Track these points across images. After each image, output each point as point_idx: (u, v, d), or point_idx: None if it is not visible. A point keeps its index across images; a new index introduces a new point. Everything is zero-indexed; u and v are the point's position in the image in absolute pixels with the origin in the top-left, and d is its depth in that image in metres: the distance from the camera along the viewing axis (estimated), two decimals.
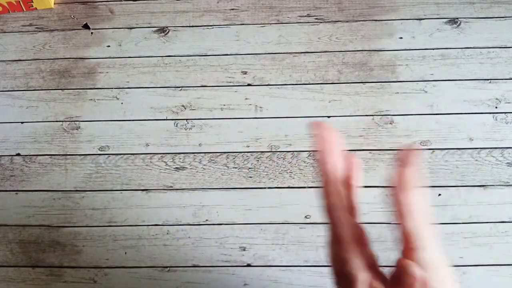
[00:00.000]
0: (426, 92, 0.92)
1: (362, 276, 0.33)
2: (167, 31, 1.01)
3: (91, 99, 0.95)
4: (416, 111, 0.91)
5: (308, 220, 0.83)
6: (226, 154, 0.89)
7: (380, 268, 0.34)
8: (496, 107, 0.90)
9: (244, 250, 0.81)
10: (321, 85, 0.94)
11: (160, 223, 0.84)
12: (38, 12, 1.04)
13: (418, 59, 0.95)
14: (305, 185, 0.86)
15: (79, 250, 0.83)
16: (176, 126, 0.92)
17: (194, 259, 0.81)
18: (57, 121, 0.93)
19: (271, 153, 0.89)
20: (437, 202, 0.83)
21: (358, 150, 0.88)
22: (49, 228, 0.85)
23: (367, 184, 0.85)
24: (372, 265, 0.35)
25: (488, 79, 0.93)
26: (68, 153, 0.90)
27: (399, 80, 0.93)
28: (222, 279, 0.80)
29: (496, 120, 0.89)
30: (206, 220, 0.84)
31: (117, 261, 0.82)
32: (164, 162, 0.89)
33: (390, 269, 0.35)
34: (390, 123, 0.90)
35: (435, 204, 0.83)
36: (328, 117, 0.91)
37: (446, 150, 0.87)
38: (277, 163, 0.87)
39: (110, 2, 1.05)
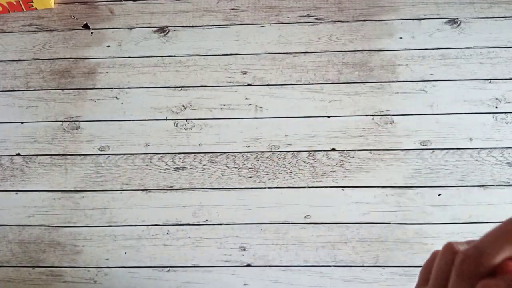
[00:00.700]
0: (426, 92, 0.92)
1: None
2: (167, 31, 1.01)
3: (91, 99, 0.95)
4: (416, 111, 0.91)
5: (308, 220, 0.83)
6: (226, 154, 0.89)
7: None
8: (496, 107, 0.90)
9: (244, 250, 0.81)
10: (321, 85, 0.94)
11: (160, 223, 0.84)
12: (38, 12, 1.04)
13: (418, 59, 0.95)
14: (305, 185, 0.86)
15: (79, 250, 0.83)
16: (176, 126, 0.92)
17: (194, 259, 0.81)
18: (57, 121, 0.93)
19: (271, 153, 0.88)
20: (437, 202, 0.83)
21: (358, 150, 0.88)
22: (49, 228, 0.85)
23: (367, 184, 0.85)
24: None
25: (488, 79, 0.93)
26: (68, 153, 0.90)
27: (399, 80, 0.93)
28: (222, 279, 0.80)
29: (496, 120, 0.89)
30: (206, 220, 0.84)
31: (117, 261, 0.82)
32: (164, 162, 0.89)
33: None
34: (390, 123, 0.90)
35: (435, 204, 0.83)
36: (328, 117, 0.91)
37: (446, 150, 0.87)
38: (277, 163, 0.87)
39: (110, 2, 1.05)
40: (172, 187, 0.86)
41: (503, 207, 0.83)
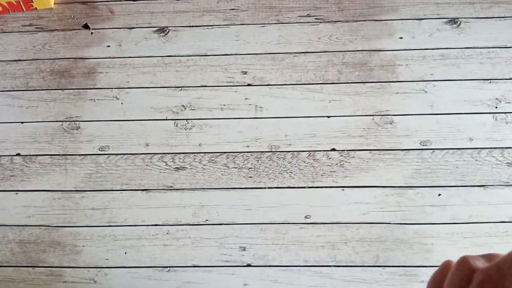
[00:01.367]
0: (426, 92, 0.92)
1: None
2: (167, 31, 1.01)
3: (91, 99, 0.95)
4: (416, 111, 0.91)
5: (308, 220, 0.83)
6: (226, 154, 0.89)
7: None
8: (496, 107, 0.90)
9: (244, 250, 0.81)
10: (321, 85, 0.94)
11: (160, 223, 0.84)
12: (38, 12, 1.04)
13: (418, 59, 0.95)
14: (305, 185, 0.86)
15: (79, 250, 0.83)
16: (176, 126, 0.92)
17: (194, 259, 0.81)
18: (57, 121, 0.93)
19: (271, 153, 0.88)
20: (437, 202, 0.83)
21: (358, 150, 0.88)
22: (49, 228, 0.85)
23: (367, 184, 0.85)
24: None
25: (488, 79, 0.93)
26: (68, 153, 0.90)
27: (399, 80, 0.93)
28: (222, 279, 0.80)
29: (496, 120, 0.89)
30: (206, 220, 0.84)
31: (117, 261, 0.82)
32: (164, 162, 0.88)
33: None
34: (390, 123, 0.90)
35: (435, 204, 0.83)
36: (328, 117, 0.91)
37: (446, 150, 0.87)
38: (277, 163, 0.87)
39: (110, 2, 1.05)
40: (172, 187, 0.86)
41: (503, 207, 0.83)
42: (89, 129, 0.92)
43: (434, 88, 0.92)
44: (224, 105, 0.93)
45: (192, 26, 1.01)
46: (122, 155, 0.89)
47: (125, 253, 0.82)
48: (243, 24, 1.00)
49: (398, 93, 0.92)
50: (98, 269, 0.81)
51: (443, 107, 0.91)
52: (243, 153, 0.89)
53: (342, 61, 0.96)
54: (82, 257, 0.82)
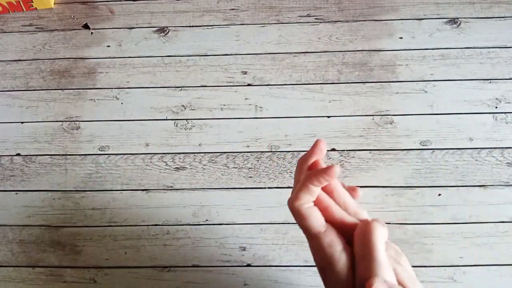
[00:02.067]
0: (426, 92, 0.92)
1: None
2: (167, 31, 1.01)
3: (91, 99, 0.95)
4: (416, 111, 0.91)
5: None
6: (226, 154, 0.89)
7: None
8: (496, 107, 0.90)
9: (244, 250, 0.81)
10: (321, 85, 0.94)
11: (160, 223, 0.84)
12: (38, 12, 1.04)
13: (418, 59, 0.95)
14: None
15: (79, 250, 0.83)
16: (176, 126, 0.92)
17: (194, 259, 0.81)
18: (57, 121, 0.93)
19: (271, 153, 0.89)
20: (437, 202, 0.83)
21: (358, 150, 0.88)
22: (49, 228, 0.85)
23: (367, 184, 0.85)
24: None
25: (488, 79, 0.93)
26: (68, 153, 0.90)
27: (399, 80, 0.93)
28: (222, 279, 0.80)
29: (496, 120, 0.89)
30: (206, 220, 0.84)
31: (117, 261, 0.82)
32: (164, 162, 0.89)
33: None
34: (390, 123, 0.90)
35: (435, 204, 0.83)
36: (328, 117, 0.91)
37: (446, 150, 0.87)
38: (277, 163, 0.87)
39: (110, 2, 1.05)
40: (172, 187, 0.86)
41: (503, 207, 0.83)
42: (89, 129, 0.92)
43: (434, 88, 0.92)
44: (224, 105, 0.93)
45: (192, 26, 1.01)
46: (122, 155, 0.89)
47: (125, 253, 0.82)
48: (243, 24, 1.00)
49: (398, 93, 0.92)
50: (98, 269, 0.81)
51: (443, 107, 0.91)
52: (243, 153, 0.89)
53: (342, 61, 0.96)
54: (82, 257, 0.82)
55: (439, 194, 0.84)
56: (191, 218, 0.84)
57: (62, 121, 0.93)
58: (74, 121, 0.93)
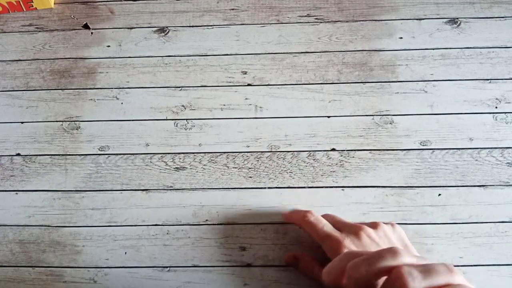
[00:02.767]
0: (426, 92, 0.92)
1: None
2: (167, 31, 1.01)
3: (91, 99, 0.95)
4: (416, 111, 0.91)
5: None
6: (226, 154, 0.89)
7: None
8: (496, 107, 0.90)
9: (244, 250, 0.81)
10: (321, 85, 0.94)
11: (160, 223, 0.84)
12: (38, 12, 1.04)
13: (418, 59, 0.95)
14: (305, 185, 0.86)
15: (79, 250, 0.83)
16: (176, 126, 0.92)
17: (194, 259, 0.81)
18: (57, 121, 0.93)
19: (271, 153, 0.89)
20: (437, 202, 0.83)
21: (358, 150, 0.88)
22: (49, 228, 0.85)
23: (367, 184, 0.85)
24: None
25: (488, 79, 0.93)
26: (68, 153, 0.90)
27: (399, 80, 0.93)
28: (222, 279, 0.80)
29: (496, 120, 0.89)
30: (206, 220, 0.84)
31: (117, 261, 0.82)
32: (164, 162, 0.89)
33: None
34: (390, 123, 0.90)
35: (435, 204, 0.83)
36: (328, 117, 0.91)
37: (446, 150, 0.87)
38: (277, 163, 0.88)
39: (110, 2, 1.05)
40: (172, 187, 0.86)
41: (503, 207, 0.83)
42: (89, 129, 0.92)
43: (434, 88, 0.92)
44: (224, 105, 0.93)
45: (192, 26, 1.01)
46: (122, 155, 0.89)
47: (125, 253, 0.82)
48: (243, 24, 1.00)
49: (398, 93, 0.92)
50: (98, 269, 0.81)
51: (443, 107, 0.91)
52: (243, 153, 0.89)
53: (342, 61, 0.96)
54: (82, 257, 0.82)
55: (439, 194, 0.84)
56: (191, 218, 0.84)
57: (62, 121, 0.93)
58: (74, 121, 0.93)
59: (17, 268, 0.82)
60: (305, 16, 1.01)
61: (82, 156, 0.90)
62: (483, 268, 0.79)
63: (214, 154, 0.89)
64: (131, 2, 1.04)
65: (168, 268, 0.81)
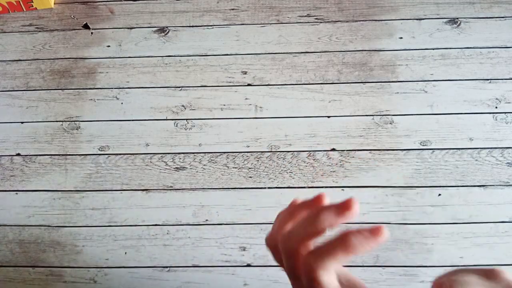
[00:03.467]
0: (426, 92, 0.92)
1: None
2: (167, 31, 1.01)
3: (91, 99, 0.95)
4: (416, 111, 0.91)
5: None
6: (226, 154, 0.89)
7: None
8: (496, 107, 0.90)
9: (244, 250, 0.81)
10: (321, 85, 0.94)
11: (160, 223, 0.84)
12: (38, 12, 1.04)
13: (418, 59, 0.95)
14: (305, 185, 0.86)
15: (79, 250, 0.83)
16: (176, 126, 0.92)
17: (194, 259, 0.81)
18: (57, 121, 0.93)
19: (271, 153, 0.88)
20: (437, 202, 0.83)
21: (358, 150, 0.88)
22: (49, 228, 0.85)
23: (367, 184, 0.85)
24: None
25: (488, 79, 0.93)
26: (68, 153, 0.90)
27: (399, 80, 0.93)
28: (222, 279, 0.80)
29: (496, 120, 0.89)
30: (206, 220, 0.84)
31: (117, 261, 0.82)
32: (164, 162, 0.88)
33: None
34: (390, 123, 0.90)
35: (435, 204, 0.83)
36: (328, 117, 0.91)
37: (446, 150, 0.87)
38: (277, 163, 0.87)
39: (110, 2, 1.05)
40: (172, 187, 0.86)
41: (503, 207, 0.83)
42: (89, 129, 0.92)
43: (434, 88, 0.92)
44: (224, 105, 0.93)
45: (192, 26, 1.01)
46: (122, 155, 0.89)
47: (125, 253, 0.82)
48: (243, 24, 1.00)
49: (398, 93, 0.92)
50: (98, 269, 0.81)
51: (443, 107, 0.91)
52: (243, 153, 0.89)
53: (342, 61, 0.96)
54: (82, 257, 0.82)
55: (439, 194, 0.84)
56: (191, 218, 0.84)
57: (62, 121, 0.93)
58: (74, 121, 0.93)
59: (17, 268, 0.82)
60: (305, 16, 1.01)
61: (82, 156, 0.90)
62: None
63: (214, 154, 0.89)
64: (131, 2, 1.04)
65: (168, 268, 0.81)
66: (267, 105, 0.92)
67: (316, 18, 1.00)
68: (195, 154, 0.89)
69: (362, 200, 0.84)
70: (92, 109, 0.94)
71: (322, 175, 0.86)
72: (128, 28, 1.01)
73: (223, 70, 0.96)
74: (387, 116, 0.90)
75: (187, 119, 0.92)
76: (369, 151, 0.88)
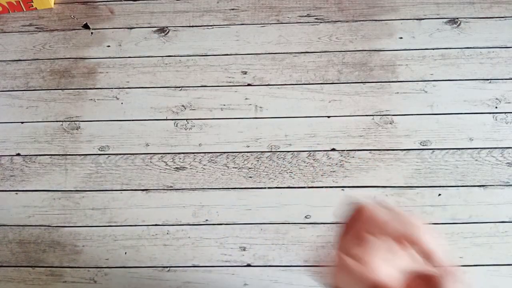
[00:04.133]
0: (426, 92, 0.92)
1: None
2: (167, 31, 1.01)
3: (91, 99, 0.95)
4: (416, 111, 0.91)
5: (308, 220, 0.83)
6: (226, 154, 0.89)
7: None
8: (496, 107, 0.90)
9: (244, 250, 0.81)
10: (321, 85, 0.94)
11: (160, 223, 0.84)
12: (38, 12, 1.04)
13: (418, 59, 0.95)
14: (305, 185, 0.86)
15: (79, 250, 0.83)
16: (176, 126, 0.92)
17: (194, 259, 0.81)
18: (57, 121, 0.93)
19: (271, 153, 0.89)
20: (437, 202, 0.83)
21: (358, 150, 0.88)
22: (49, 228, 0.85)
23: (367, 184, 0.85)
24: None
25: (488, 79, 0.93)
26: (68, 153, 0.90)
27: (399, 80, 0.93)
28: (222, 279, 0.80)
29: (496, 120, 0.89)
30: (206, 220, 0.84)
31: (117, 261, 0.82)
32: (164, 162, 0.89)
33: None
34: (390, 123, 0.90)
35: (435, 204, 0.83)
36: (328, 117, 0.91)
37: (446, 150, 0.87)
38: (277, 163, 0.87)
39: (110, 2, 1.05)
40: (172, 187, 0.86)
41: (503, 207, 0.83)
42: (89, 129, 0.92)
43: (434, 88, 0.92)
44: (224, 105, 0.93)
45: (192, 26, 1.01)
46: (122, 155, 0.89)
47: (125, 253, 0.82)
48: (243, 24, 1.00)
49: (398, 93, 0.92)
50: (98, 269, 0.81)
51: (443, 107, 0.91)
52: (243, 153, 0.89)
53: (342, 61, 0.96)
54: (82, 257, 0.82)
55: (439, 194, 0.84)
56: (191, 218, 0.84)
57: (62, 121, 0.93)
58: (74, 121, 0.93)
59: (17, 268, 0.82)
60: (305, 16, 1.01)
61: (82, 156, 0.90)
62: (483, 268, 0.79)
63: (214, 154, 0.89)
64: (131, 2, 1.04)
65: (168, 268, 0.81)
66: (267, 105, 0.92)
67: (316, 18, 1.00)
68: (195, 154, 0.89)
69: (362, 200, 0.84)
70: (92, 109, 0.94)
71: (322, 175, 0.86)
72: (128, 28, 1.01)
73: (223, 70, 0.96)
74: (387, 116, 0.90)
75: (187, 119, 0.92)
76: (369, 151, 0.88)
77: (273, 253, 0.81)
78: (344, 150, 0.88)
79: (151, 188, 0.87)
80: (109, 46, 0.99)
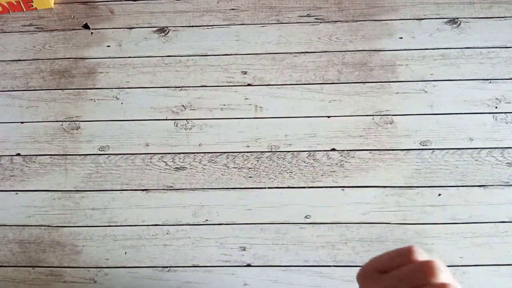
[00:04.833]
0: (426, 92, 0.92)
1: None
2: (167, 31, 1.01)
3: (91, 99, 0.95)
4: (416, 111, 0.91)
5: (308, 220, 0.83)
6: (226, 154, 0.89)
7: None
8: (496, 107, 0.90)
9: (244, 250, 0.81)
10: (321, 85, 0.94)
11: (160, 223, 0.84)
12: (38, 12, 1.04)
13: (418, 59, 0.95)
14: (305, 185, 0.86)
15: (79, 250, 0.83)
16: (176, 126, 0.92)
17: (194, 259, 0.81)
18: (57, 121, 0.93)
19: (271, 153, 0.89)
20: (437, 202, 0.83)
21: (358, 150, 0.88)
22: (49, 228, 0.85)
23: (367, 184, 0.85)
24: None
25: (488, 79, 0.93)
26: (68, 153, 0.90)
27: (399, 80, 0.93)
28: (222, 279, 0.80)
29: (496, 120, 0.89)
30: (206, 220, 0.84)
31: (117, 261, 0.82)
32: (164, 162, 0.89)
33: None
34: (390, 123, 0.90)
35: (435, 204, 0.83)
36: (328, 117, 0.91)
37: (446, 150, 0.87)
38: (277, 163, 0.87)
39: (110, 2, 1.05)
40: (172, 187, 0.86)
41: (503, 207, 0.83)
42: (89, 129, 0.92)
43: (434, 88, 0.92)
44: (224, 105, 0.93)
45: (192, 26, 1.01)
46: (122, 155, 0.89)
47: (125, 253, 0.82)
48: (243, 24, 1.00)
49: (398, 93, 0.92)
50: (98, 269, 0.81)
51: (443, 107, 0.91)
52: (243, 153, 0.89)
53: (342, 61, 0.96)
54: (82, 257, 0.82)
55: (439, 194, 0.84)
56: (191, 218, 0.84)
57: (62, 121, 0.93)
58: (74, 121, 0.93)
59: (17, 268, 0.82)
60: (305, 16, 1.01)
61: (82, 156, 0.90)
62: (483, 268, 0.79)
63: (214, 154, 0.89)
64: (131, 2, 1.04)
65: (168, 268, 0.81)
66: (267, 105, 0.92)
67: (316, 18, 1.00)
68: (195, 154, 0.89)
69: (362, 200, 0.84)
70: (92, 109, 0.94)
71: (322, 175, 0.86)
72: (128, 28, 1.01)
73: (223, 70, 0.96)
74: (387, 116, 0.90)
75: (187, 119, 0.92)
76: (369, 151, 0.88)
77: (273, 253, 0.81)
78: (344, 150, 0.88)
79: (151, 188, 0.87)
80: (109, 46, 0.99)
